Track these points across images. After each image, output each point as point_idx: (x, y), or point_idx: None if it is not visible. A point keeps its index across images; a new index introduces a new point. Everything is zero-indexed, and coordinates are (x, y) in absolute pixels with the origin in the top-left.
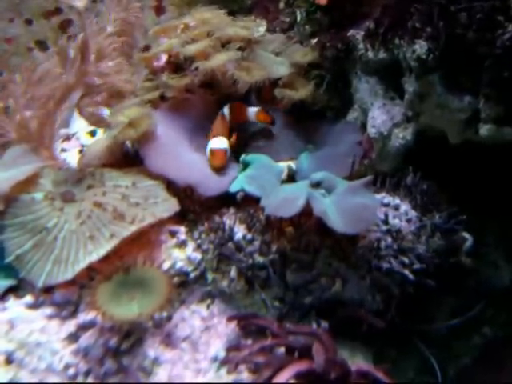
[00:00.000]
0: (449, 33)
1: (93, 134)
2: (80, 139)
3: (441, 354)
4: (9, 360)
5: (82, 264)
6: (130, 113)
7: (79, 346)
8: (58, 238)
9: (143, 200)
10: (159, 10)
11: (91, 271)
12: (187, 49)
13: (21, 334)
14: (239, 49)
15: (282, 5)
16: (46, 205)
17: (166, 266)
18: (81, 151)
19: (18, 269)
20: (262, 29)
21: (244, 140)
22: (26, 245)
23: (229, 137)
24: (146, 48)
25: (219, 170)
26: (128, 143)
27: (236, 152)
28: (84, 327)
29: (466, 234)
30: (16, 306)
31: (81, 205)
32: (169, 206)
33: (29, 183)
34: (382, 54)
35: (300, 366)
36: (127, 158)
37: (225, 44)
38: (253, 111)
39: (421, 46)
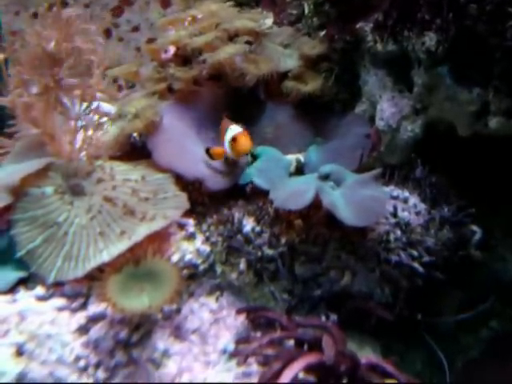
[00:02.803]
0: (458, 25)
1: None
2: (88, 131)
3: (448, 347)
4: (19, 352)
5: (93, 263)
6: (137, 104)
7: (89, 338)
8: (69, 233)
9: (153, 195)
10: (165, 2)
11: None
12: (195, 41)
13: (31, 325)
14: (247, 42)
15: None
16: (56, 199)
17: (175, 258)
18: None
19: (28, 263)
20: (269, 21)
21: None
22: (36, 240)
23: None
24: (152, 40)
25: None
26: (135, 135)
27: None
28: (94, 319)
29: (474, 227)
30: (26, 298)
31: (91, 199)
32: (178, 202)
33: (39, 176)
34: (390, 46)
35: (310, 359)
36: (135, 149)
37: (232, 36)
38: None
39: (430, 38)
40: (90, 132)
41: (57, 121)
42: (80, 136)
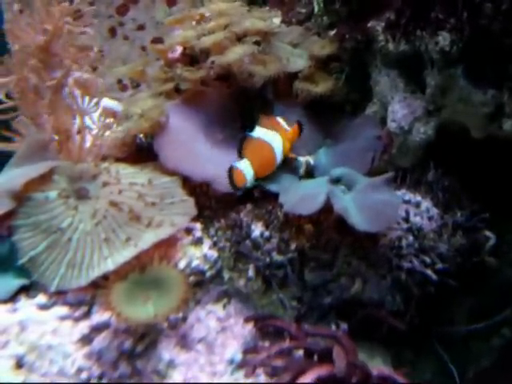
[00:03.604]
0: (473, 24)
1: None
2: (93, 132)
3: (460, 356)
4: (19, 364)
5: (98, 271)
6: (143, 104)
7: (92, 348)
8: (73, 239)
9: (159, 199)
10: (171, 0)
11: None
12: (203, 41)
13: (32, 336)
14: (256, 42)
15: None
16: (60, 203)
17: (181, 264)
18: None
19: (30, 271)
20: (277, 20)
21: None
22: (39, 246)
23: None
24: (158, 40)
25: None
26: (141, 136)
27: None
28: (98, 329)
29: (488, 233)
30: (27, 307)
31: (96, 203)
32: (186, 208)
33: (42, 180)
34: (403, 46)
35: (320, 371)
36: (141, 151)
37: (241, 36)
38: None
39: (444, 38)
40: (98, 132)
41: (70, 119)
42: (89, 136)
